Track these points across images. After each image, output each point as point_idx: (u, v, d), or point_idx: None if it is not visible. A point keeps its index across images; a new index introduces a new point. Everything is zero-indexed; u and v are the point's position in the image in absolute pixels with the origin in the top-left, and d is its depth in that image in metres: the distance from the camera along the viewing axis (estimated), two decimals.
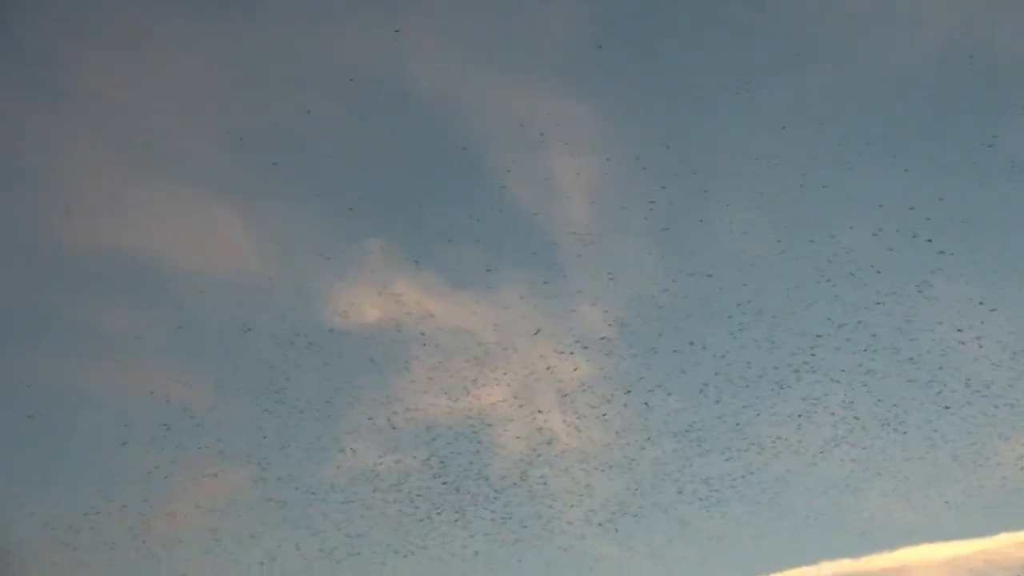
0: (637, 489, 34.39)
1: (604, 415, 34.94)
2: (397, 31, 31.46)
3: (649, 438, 33.96)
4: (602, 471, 31.20)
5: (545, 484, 35.86)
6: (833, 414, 31.96)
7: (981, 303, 31.14)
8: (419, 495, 34.36)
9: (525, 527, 38.30)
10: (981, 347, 27.86)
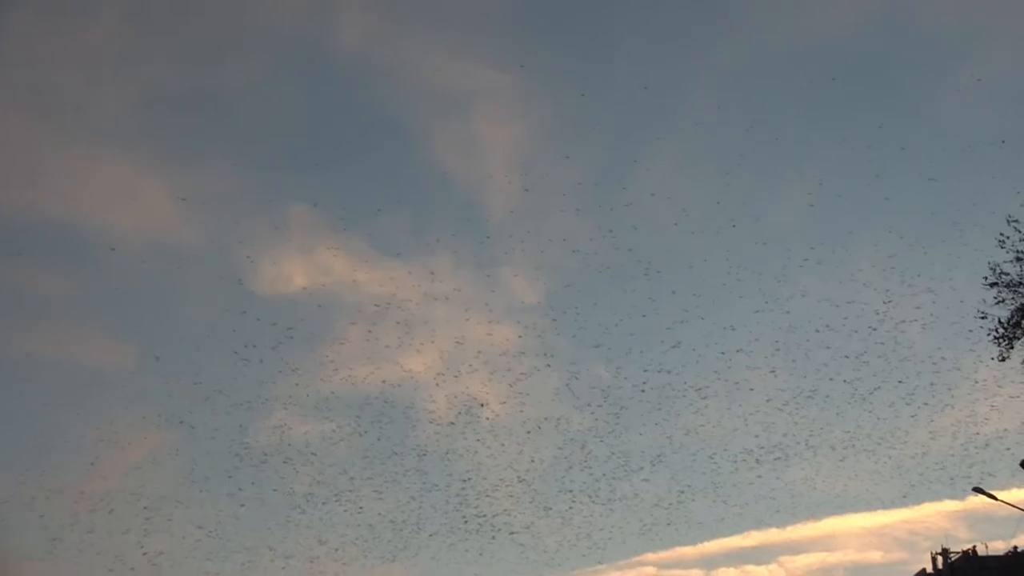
0: (562, 457, 34.09)
1: (530, 383, 34.60)
2: None
3: (574, 406, 33.71)
4: (527, 438, 31.25)
5: (470, 450, 35.46)
6: (755, 389, 32.02)
7: (901, 281, 31.38)
8: (342, 460, 34.00)
9: (450, 491, 37.71)
10: (908, 313, 28.04)
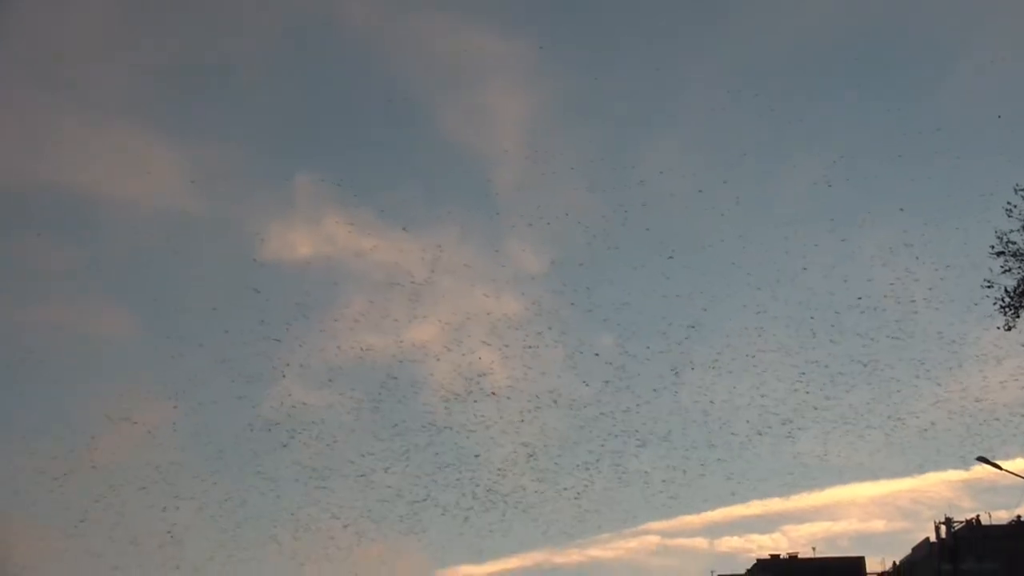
0: (567, 428, 34.12)
1: (536, 353, 34.58)
2: None
3: (581, 378, 33.73)
4: (533, 408, 31.26)
5: (476, 419, 35.57)
6: (761, 362, 31.96)
7: (910, 257, 31.22)
8: (351, 430, 34.10)
9: (452, 462, 37.87)
10: (912, 284, 27.97)
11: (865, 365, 32.89)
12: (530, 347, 37.24)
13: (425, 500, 39.84)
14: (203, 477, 40.24)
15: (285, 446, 34.26)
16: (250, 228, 60.41)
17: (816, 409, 31.73)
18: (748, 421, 32.88)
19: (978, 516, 24.74)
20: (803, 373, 32.07)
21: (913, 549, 33.79)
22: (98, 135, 53.40)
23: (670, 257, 43.11)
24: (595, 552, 46.97)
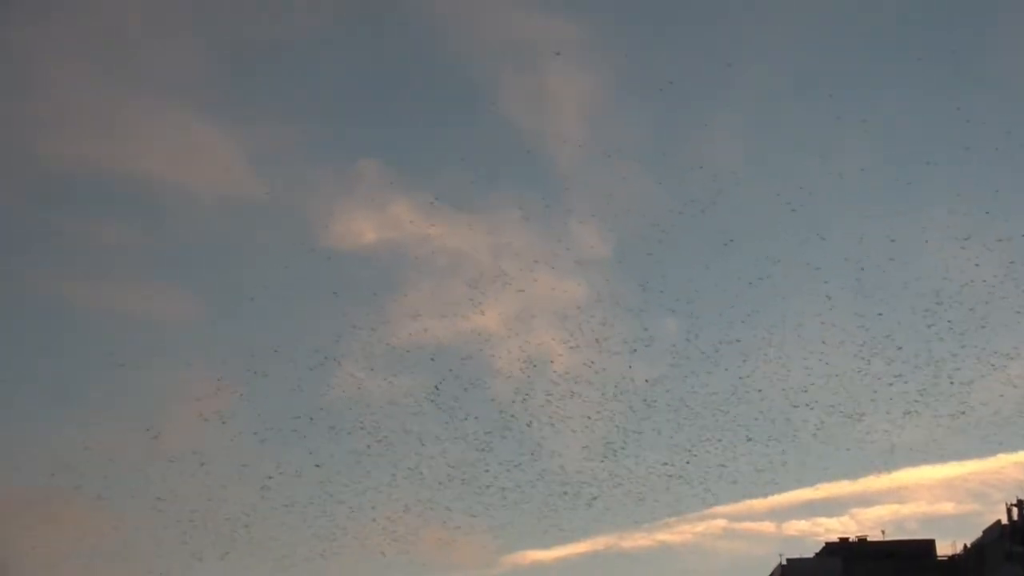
0: (633, 411, 34.33)
1: (600, 338, 34.77)
2: None
3: (645, 362, 33.82)
4: (599, 392, 31.43)
5: (540, 405, 35.82)
6: (829, 342, 31.78)
7: (976, 231, 30.85)
8: (414, 415, 34.55)
9: (517, 446, 38.22)
10: (977, 266, 27.70)
11: (934, 346, 32.55)
12: (594, 332, 37.30)
13: (490, 486, 40.13)
14: (265, 461, 40.92)
15: (348, 432, 34.68)
16: (313, 213, 61.06)
17: (884, 391, 31.48)
18: (815, 404, 32.69)
19: None
20: (871, 355, 31.83)
21: (984, 531, 33.40)
22: (161, 120, 54.29)
23: (731, 240, 42.83)
24: (662, 536, 47.05)
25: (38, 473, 53.25)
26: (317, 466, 35.02)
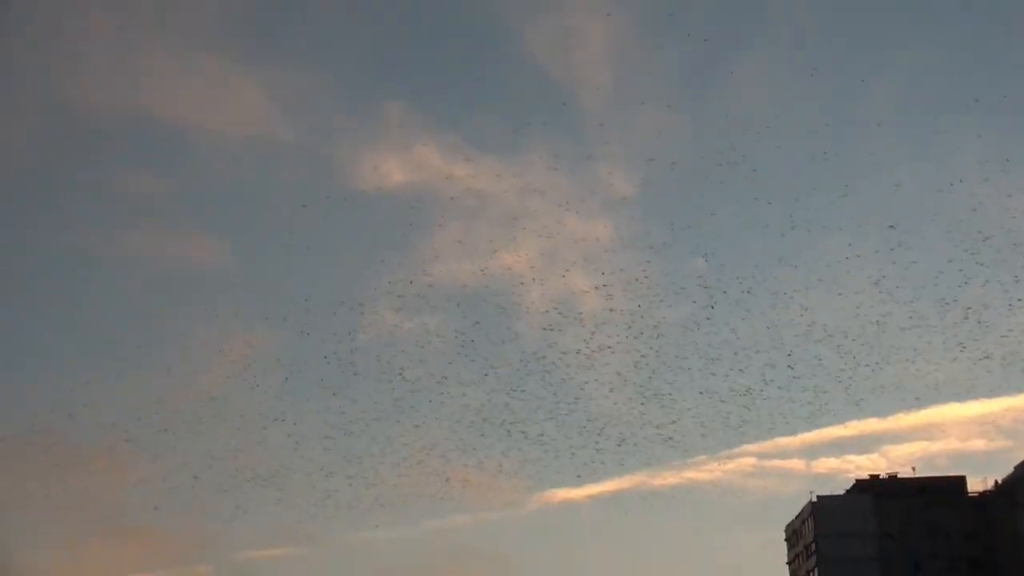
0: (661, 352, 34.25)
1: (629, 278, 34.65)
2: None
3: (673, 299, 33.77)
4: (627, 333, 31.41)
5: (569, 345, 35.80)
6: (856, 279, 31.55)
7: (1007, 160, 30.57)
8: (442, 357, 34.76)
9: (546, 387, 38.34)
10: (1007, 209, 27.32)
11: (964, 286, 32.24)
12: (622, 274, 37.14)
13: (519, 426, 40.30)
14: (298, 403, 41.26)
15: (377, 374, 34.87)
16: (340, 156, 60.97)
17: (915, 330, 31.29)
18: (844, 342, 32.51)
19: None
20: (900, 295, 31.65)
21: (1015, 468, 33.35)
22: (188, 66, 54.13)
23: (759, 183, 42.53)
24: (691, 475, 47.29)
25: (67, 421, 53.93)
26: (345, 410, 35.28)
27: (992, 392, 51.21)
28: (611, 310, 31.68)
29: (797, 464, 49.42)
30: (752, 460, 49.24)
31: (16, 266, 60.98)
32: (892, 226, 33.26)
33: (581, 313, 37.20)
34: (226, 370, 41.48)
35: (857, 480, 36.74)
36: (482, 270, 36.30)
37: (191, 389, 42.07)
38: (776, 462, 50.64)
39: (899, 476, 36.37)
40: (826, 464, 46.50)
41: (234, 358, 41.69)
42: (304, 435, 38.49)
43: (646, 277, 31.79)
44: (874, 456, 50.53)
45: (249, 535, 65.35)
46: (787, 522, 37.93)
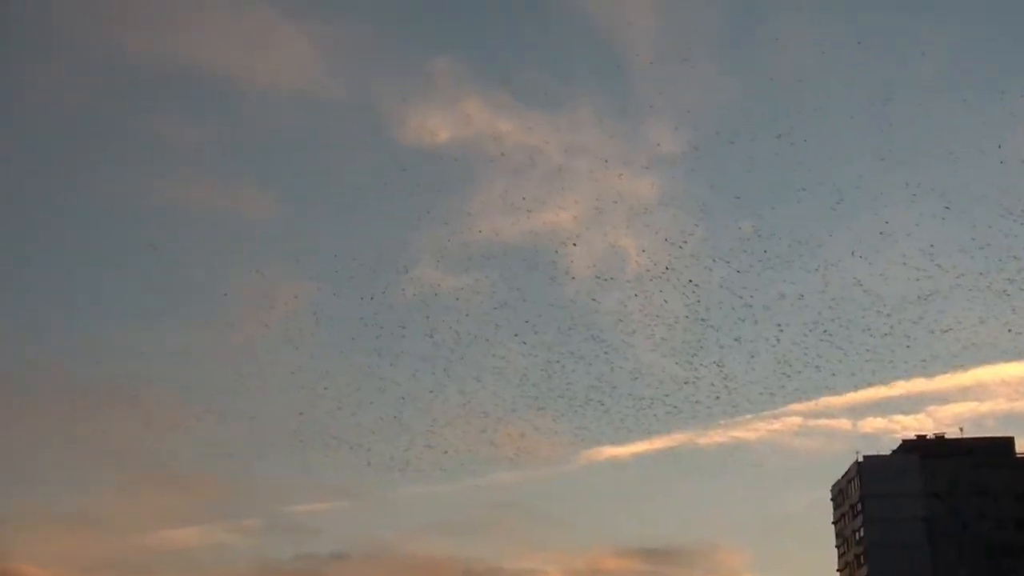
0: (706, 309, 34.45)
1: (674, 235, 34.72)
2: None
3: (720, 259, 33.82)
4: (673, 291, 31.53)
5: (615, 303, 36.02)
6: (905, 238, 31.41)
7: None
8: (485, 315, 35.13)
9: (591, 345, 38.80)
10: None
11: (1015, 242, 31.98)
12: (668, 231, 37.20)
13: (564, 382, 40.50)
14: (339, 359, 41.73)
15: (423, 330, 35.14)
16: (387, 110, 61.04)
17: (963, 288, 31.11)
18: (891, 303, 32.41)
19: None
20: (949, 253, 31.47)
21: None
22: (237, 18, 54.35)
23: (807, 140, 42.22)
24: (737, 434, 47.45)
25: (118, 370, 54.88)
26: (390, 365, 35.71)
27: None
28: (657, 269, 31.73)
29: (844, 424, 49.41)
30: (798, 420, 49.29)
31: (65, 215, 61.86)
32: (941, 191, 32.97)
33: (626, 271, 37.24)
34: (272, 324, 42.01)
35: (904, 440, 36.73)
36: (527, 227, 36.38)
37: (236, 341, 42.75)
38: (823, 422, 50.70)
39: (946, 437, 36.30)
40: (873, 424, 46.47)
41: (280, 312, 42.21)
42: (348, 390, 39.03)
43: (692, 236, 31.74)
44: (921, 416, 50.41)
45: (296, 490, 66.35)
46: (833, 482, 38.03)
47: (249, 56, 57.42)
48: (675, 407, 36.55)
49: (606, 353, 39.68)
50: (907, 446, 36.17)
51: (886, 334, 32.43)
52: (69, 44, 57.81)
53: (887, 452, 36.58)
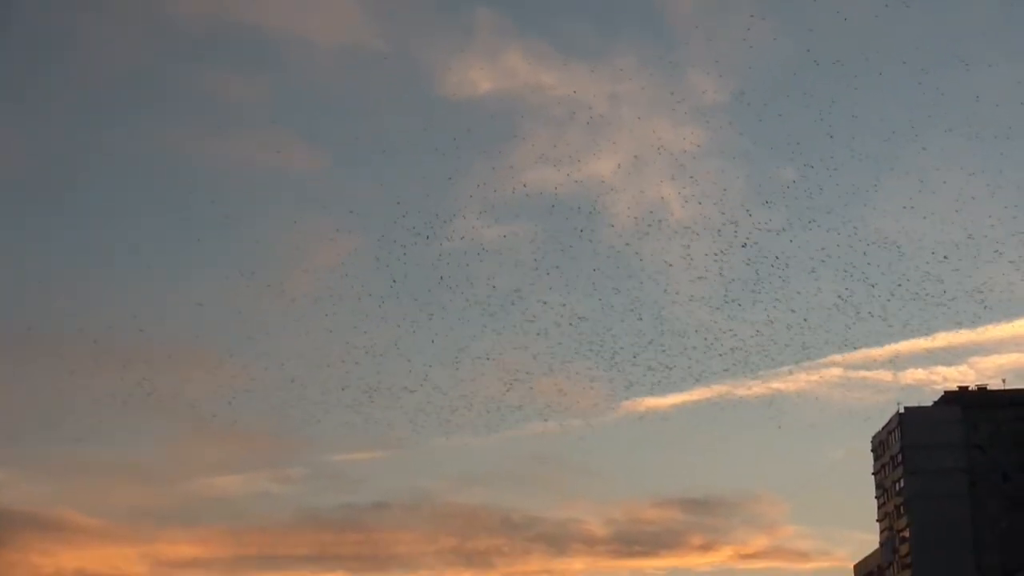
0: (747, 260, 34.52)
1: (718, 185, 34.71)
2: None
3: (762, 209, 34.03)
4: (715, 242, 31.60)
5: (656, 253, 36.18)
6: (946, 186, 31.25)
7: None
8: (526, 265, 35.43)
9: (631, 296, 39.06)
10: None
11: None
12: (711, 181, 37.06)
13: (604, 333, 40.61)
14: (384, 311, 42.05)
15: (465, 280, 35.41)
16: (430, 63, 61.06)
17: (1007, 239, 30.88)
18: (934, 254, 32.24)
19: None
20: (993, 202, 31.17)
21: None
22: None
23: (855, 89, 41.83)
24: (777, 385, 47.48)
25: (165, 322, 55.71)
26: (431, 316, 35.97)
27: None
28: (698, 219, 31.70)
29: (884, 375, 49.33)
30: (839, 371, 49.21)
31: (117, 170, 62.51)
32: (989, 140, 32.68)
33: (668, 221, 37.19)
34: (316, 276, 42.46)
35: (945, 392, 36.61)
36: (570, 177, 36.40)
37: (283, 294, 43.25)
38: (863, 373, 50.57)
39: (988, 388, 36.15)
40: (913, 376, 46.31)
41: (324, 264, 42.61)
42: (391, 341, 39.40)
43: (734, 186, 31.67)
44: (962, 368, 50.16)
45: (339, 439, 67.42)
46: (873, 433, 38.04)
47: (294, 13, 57.56)
48: (715, 358, 36.71)
49: (646, 303, 39.80)
50: (948, 397, 36.06)
51: (928, 285, 32.34)
52: (122, 4, 58.28)
53: (928, 404, 36.50)
